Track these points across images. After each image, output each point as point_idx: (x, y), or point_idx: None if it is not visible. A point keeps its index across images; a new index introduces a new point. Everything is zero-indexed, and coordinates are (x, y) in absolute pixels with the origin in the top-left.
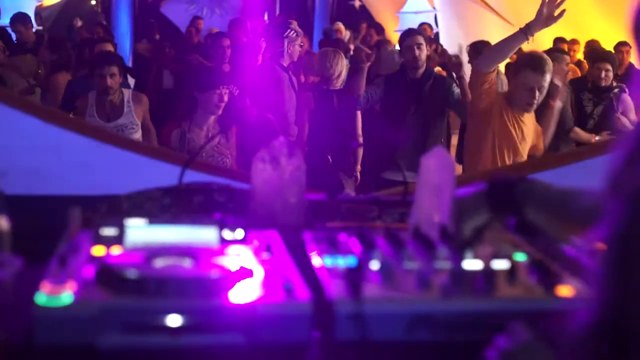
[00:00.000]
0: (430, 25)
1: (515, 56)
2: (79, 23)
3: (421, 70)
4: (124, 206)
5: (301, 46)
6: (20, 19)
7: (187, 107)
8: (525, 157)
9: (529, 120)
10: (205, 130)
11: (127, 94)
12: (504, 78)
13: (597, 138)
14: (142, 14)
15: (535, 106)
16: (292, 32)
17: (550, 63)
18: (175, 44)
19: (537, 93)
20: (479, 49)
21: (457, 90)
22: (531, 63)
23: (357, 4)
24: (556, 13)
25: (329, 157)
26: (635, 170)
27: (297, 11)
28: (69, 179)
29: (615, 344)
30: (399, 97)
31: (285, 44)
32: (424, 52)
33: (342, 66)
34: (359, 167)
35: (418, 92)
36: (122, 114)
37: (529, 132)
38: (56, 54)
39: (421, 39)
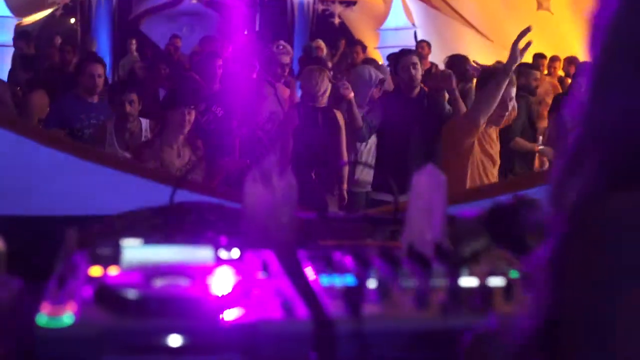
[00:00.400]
0: (428, 44)
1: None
2: (59, 41)
3: (417, 90)
4: (116, 226)
5: (287, 63)
6: (22, 35)
7: (159, 126)
8: (498, 159)
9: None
10: (176, 148)
11: (145, 123)
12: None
13: (540, 147)
14: (121, 32)
15: (505, 118)
16: (281, 45)
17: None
18: (170, 63)
19: (509, 105)
20: (455, 62)
21: (447, 106)
22: None
23: (336, 21)
24: (521, 46)
25: (313, 175)
26: (572, 182)
27: (277, 28)
28: (56, 199)
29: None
30: (398, 118)
31: (274, 55)
32: (419, 72)
33: (327, 84)
34: (345, 186)
35: (416, 111)
36: None
37: (497, 135)
38: (31, 72)
39: (416, 59)
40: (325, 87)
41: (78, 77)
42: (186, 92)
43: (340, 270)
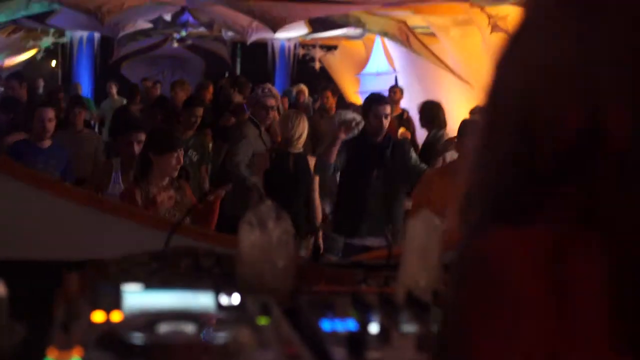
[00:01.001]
0: (401, 89)
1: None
2: (42, 84)
3: (382, 136)
4: (112, 270)
5: (273, 106)
6: (15, 76)
7: (144, 169)
8: None
9: None
10: (164, 189)
11: None
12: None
13: None
14: (103, 75)
15: None
16: (267, 89)
17: None
18: (164, 108)
19: None
20: (429, 109)
21: (414, 155)
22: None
23: (317, 65)
24: None
25: None
26: (465, 221)
27: (258, 72)
28: (51, 243)
29: None
30: (361, 161)
31: (259, 97)
32: (389, 120)
33: (303, 128)
34: (320, 233)
35: (380, 156)
36: None
37: None
38: (11, 114)
39: (389, 109)
40: (301, 131)
41: (29, 121)
42: (174, 137)
43: (342, 315)
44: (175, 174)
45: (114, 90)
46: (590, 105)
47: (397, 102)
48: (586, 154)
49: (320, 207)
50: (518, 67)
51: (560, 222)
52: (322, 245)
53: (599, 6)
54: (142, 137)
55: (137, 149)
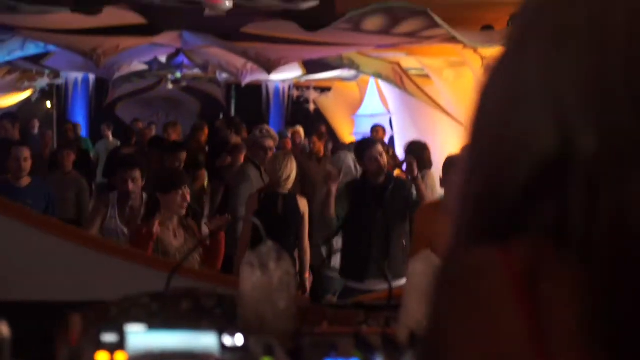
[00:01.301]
0: (383, 128)
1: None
2: (37, 125)
3: (383, 177)
4: (112, 312)
5: (271, 149)
6: (8, 116)
7: (152, 209)
8: None
9: None
10: (172, 229)
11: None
12: (429, 182)
13: None
14: (97, 116)
15: None
16: (265, 130)
17: None
18: (159, 149)
19: None
20: (414, 149)
21: (415, 192)
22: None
23: (311, 107)
24: None
25: None
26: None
27: (252, 114)
28: (52, 285)
29: None
30: (363, 205)
31: (257, 139)
32: (384, 159)
33: (291, 169)
34: (307, 274)
35: (382, 198)
36: None
37: None
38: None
39: (380, 148)
40: (289, 173)
41: (6, 161)
42: (178, 175)
43: (345, 356)
44: (183, 212)
45: (109, 132)
46: (558, 125)
47: (380, 140)
48: (558, 172)
49: (308, 248)
50: (493, 93)
51: (537, 239)
52: (307, 287)
53: (564, 32)
54: (137, 174)
55: (132, 186)
